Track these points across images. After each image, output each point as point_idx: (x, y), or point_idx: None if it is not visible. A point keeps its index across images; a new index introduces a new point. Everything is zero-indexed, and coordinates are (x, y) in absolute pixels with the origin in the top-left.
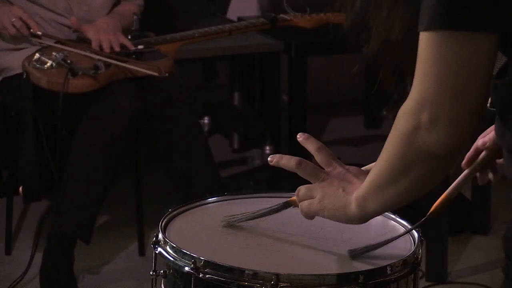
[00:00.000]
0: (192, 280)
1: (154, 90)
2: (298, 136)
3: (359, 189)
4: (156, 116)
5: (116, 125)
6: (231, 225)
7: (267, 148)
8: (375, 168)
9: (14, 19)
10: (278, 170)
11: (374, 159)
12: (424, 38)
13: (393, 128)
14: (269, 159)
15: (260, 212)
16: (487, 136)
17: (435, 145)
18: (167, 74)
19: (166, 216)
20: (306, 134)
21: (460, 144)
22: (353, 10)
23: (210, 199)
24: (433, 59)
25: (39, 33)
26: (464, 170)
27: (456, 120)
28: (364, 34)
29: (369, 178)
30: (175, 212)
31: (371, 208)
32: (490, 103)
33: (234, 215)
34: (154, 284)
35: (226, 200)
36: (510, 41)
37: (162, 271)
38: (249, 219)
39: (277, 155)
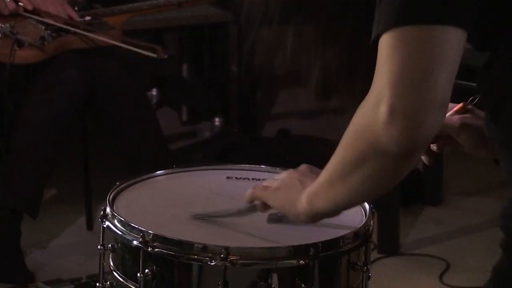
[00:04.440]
0: (141, 254)
1: (101, 62)
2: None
3: (312, 184)
4: (103, 89)
5: (62, 97)
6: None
7: (217, 120)
8: (329, 163)
9: None
10: (227, 142)
11: (324, 132)
12: (384, 40)
13: (350, 123)
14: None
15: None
16: None
17: (391, 140)
18: (166, 56)
19: (114, 189)
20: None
21: (416, 142)
22: None
23: (158, 172)
24: (393, 55)
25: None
26: None
27: (413, 112)
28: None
29: (322, 174)
30: (123, 186)
31: (320, 205)
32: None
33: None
34: (102, 258)
35: (174, 173)
36: (494, 38)
37: (110, 245)
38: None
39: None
